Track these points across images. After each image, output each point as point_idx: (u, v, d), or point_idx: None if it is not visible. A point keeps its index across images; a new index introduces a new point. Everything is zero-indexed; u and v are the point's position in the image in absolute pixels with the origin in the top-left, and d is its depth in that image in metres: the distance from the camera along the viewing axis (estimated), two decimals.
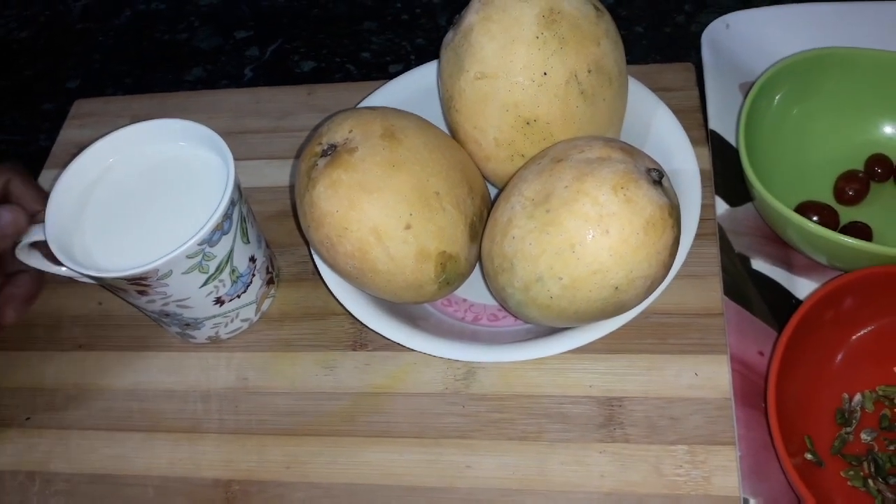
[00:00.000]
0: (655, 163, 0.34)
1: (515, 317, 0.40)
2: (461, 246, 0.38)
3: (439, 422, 0.40)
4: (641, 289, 0.33)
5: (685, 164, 0.41)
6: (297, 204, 0.37)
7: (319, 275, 0.40)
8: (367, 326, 0.38)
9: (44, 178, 0.55)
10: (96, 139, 0.42)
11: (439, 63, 0.42)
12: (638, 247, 0.31)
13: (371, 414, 0.41)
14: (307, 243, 0.44)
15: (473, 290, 0.43)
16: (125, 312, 0.47)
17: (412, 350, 0.38)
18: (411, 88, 0.48)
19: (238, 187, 0.39)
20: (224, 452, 0.41)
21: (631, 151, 0.34)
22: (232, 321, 0.43)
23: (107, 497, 0.40)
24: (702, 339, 0.40)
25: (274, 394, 0.42)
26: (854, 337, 0.39)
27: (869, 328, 0.39)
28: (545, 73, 0.38)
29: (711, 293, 0.42)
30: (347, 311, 0.39)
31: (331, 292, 0.40)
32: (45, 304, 0.48)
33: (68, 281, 0.48)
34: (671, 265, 0.34)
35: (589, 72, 0.39)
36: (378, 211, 0.34)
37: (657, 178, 0.33)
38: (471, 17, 0.39)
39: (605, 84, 0.40)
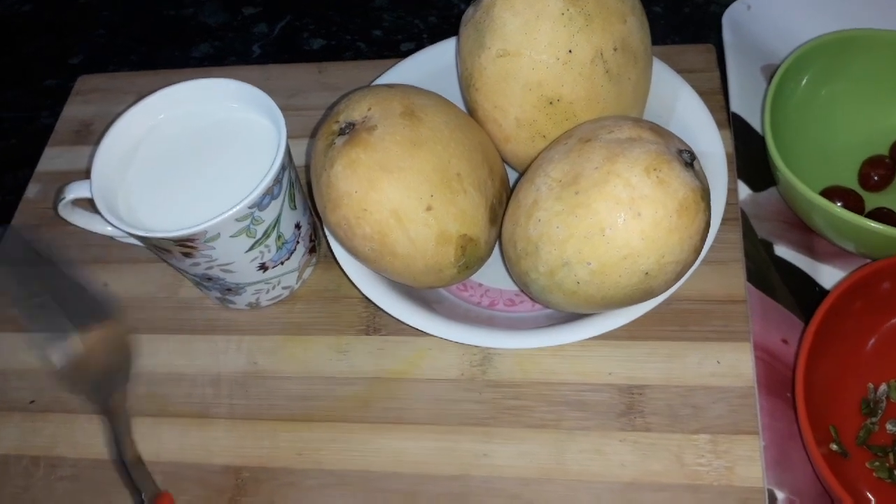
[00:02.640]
0: (686, 144, 0.33)
1: (537, 302, 0.39)
2: (482, 229, 0.36)
3: (455, 408, 0.39)
4: (672, 274, 0.32)
5: (711, 146, 0.40)
6: (314, 184, 0.36)
7: (334, 256, 0.39)
8: (383, 310, 0.37)
9: (46, 156, 0.54)
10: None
11: (458, 40, 0.41)
12: (671, 230, 0.30)
13: (385, 400, 0.40)
14: (321, 224, 0.43)
15: (489, 274, 0.42)
16: (131, 294, 0.46)
17: (426, 335, 0.37)
18: (426, 67, 0.46)
19: (288, 152, 0.38)
20: (234, 438, 0.40)
21: (661, 132, 0.33)
22: (273, 288, 0.42)
23: (113, 483, 0.39)
24: (724, 327, 0.40)
25: (285, 378, 0.41)
26: (881, 327, 0.38)
27: (892, 316, 0.38)
28: (570, 51, 0.37)
29: (734, 279, 0.41)
30: (363, 294, 0.38)
31: (346, 275, 0.38)
32: (48, 285, 0.47)
33: (73, 262, 0.48)
34: (700, 250, 0.33)
35: (615, 50, 0.37)
36: (398, 192, 0.33)
37: (689, 159, 0.32)
38: None
39: (631, 63, 0.38)
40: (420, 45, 0.57)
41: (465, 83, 0.40)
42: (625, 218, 0.30)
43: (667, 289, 0.33)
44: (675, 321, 0.40)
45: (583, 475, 0.36)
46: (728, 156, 0.45)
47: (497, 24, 0.37)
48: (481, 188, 0.36)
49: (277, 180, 0.37)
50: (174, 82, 0.56)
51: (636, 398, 0.38)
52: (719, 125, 0.46)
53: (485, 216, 0.37)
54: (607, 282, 0.32)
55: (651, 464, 0.36)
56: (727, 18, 0.51)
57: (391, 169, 0.33)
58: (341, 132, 0.35)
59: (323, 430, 0.39)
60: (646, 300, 0.34)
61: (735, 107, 0.47)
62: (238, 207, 0.35)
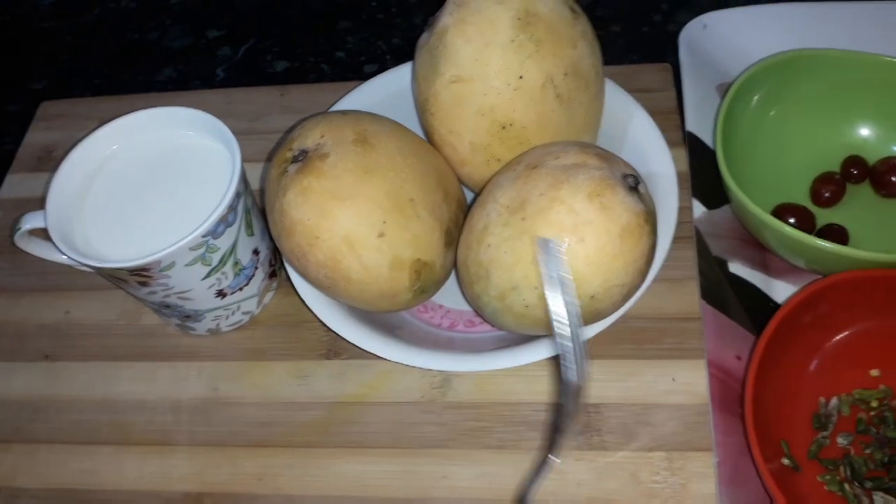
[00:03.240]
0: (632, 168, 0.34)
1: (490, 324, 0.39)
2: (437, 253, 0.37)
3: (415, 431, 0.39)
4: (618, 297, 0.32)
5: (662, 167, 0.41)
6: (268, 212, 0.36)
7: (291, 283, 0.39)
8: (340, 336, 0.38)
9: (9, 183, 0.54)
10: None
11: (414, 65, 0.41)
12: (615, 255, 0.31)
13: (345, 424, 0.40)
14: (278, 251, 0.43)
15: (450, 296, 0.42)
16: (93, 321, 0.46)
17: (386, 359, 0.38)
18: (386, 90, 0.47)
19: (244, 178, 0.38)
20: (195, 465, 0.40)
21: (607, 157, 0.34)
22: (233, 314, 0.42)
23: None
24: (679, 344, 0.40)
25: (246, 404, 0.41)
26: (831, 341, 0.39)
27: (845, 332, 0.39)
28: (521, 77, 0.37)
29: (689, 297, 0.42)
30: (320, 320, 0.38)
31: (304, 302, 0.39)
32: (9, 313, 0.47)
33: (33, 289, 0.47)
34: (648, 272, 0.33)
35: (565, 75, 0.38)
36: (350, 219, 0.34)
37: (633, 184, 0.33)
38: (445, 18, 0.39)
39: (582, 87, 0.39)
40: (383, 67, 0.57)
41: (421, 108, 0.41)
42: (569, 244, 0.31)
43: (615, 310, 0.34)
44: (631, 340, 0.40)
45: (541, 495, 0.37)
46: (682, 174, 0.46)
47: (450, 50, 0.38)
48: (435, 212, 0.37)
49: (232, 208, 0.37)
50: (137, 108, 0.57)
51: (593, 417, 0.39)
52: (675, 144, 0.47)
53: (440, 240, 0.37)
54: None
55: (607, 482, 0.37)
56: (683, 38, 0.52)
57: (343, 196, 0.34)
58: (294, 160, 0.35)
59: (283, 455, 0.39)
60: (595, 322, 0.35)
61: (690, 125, 0.48)
62: (191, 237, 0.35)
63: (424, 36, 0.40)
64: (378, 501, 0.38)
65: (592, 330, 0.36)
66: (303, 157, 0.35)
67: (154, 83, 0.61)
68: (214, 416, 0.41)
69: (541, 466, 0.33)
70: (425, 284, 0.37)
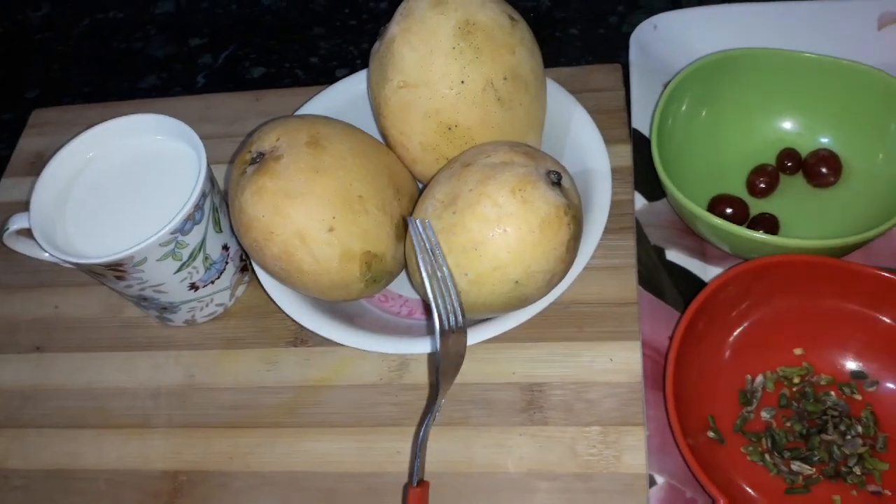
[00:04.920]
0: (558, 165, 0.37)
1: None
2: (387, 245, 0.40)
3: (373, 411, 0.43)
4: (542, 282, 0.36)
5: (599, 163, 0.44)
6: (230, 209, 0.40)
7: (255, 275, 0.43)
8: (294, 321, 0.41)
9: (2, 187, 0.57)
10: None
11: (368, 72, 0.45)
12: (535, 244, 0.34)
13: (310, 406, 0.43)
14: None
15: (409, 285, 0.45)
16: (80, 315, 0.49)
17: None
18: (347, 95, 0.50)
19: (211, 179, 0.42)
20: (172, 445, 0.43)
21: (533, 155, 0.37)
22: (207, 305, 0.45)
23: (61, 491, 0.43)
24: (617, 327, 0.43)
25: (219, 389, 0.45)
26: (756, 321, 0.41)
27: (769, 313, 0.41)
28: (462, 82, 0.40)
29: (628, 283, 0.45)
30: (282, 310, 0.41)
31: (267, 293, 0.42)
32: (2, 309, 0.50)
33: (24, 286, 0.51)
34: (570, 260, 0.36)
35: (505, 79, 0.41)
36: (301, 215, 0.37)
37: (556, 179, 0.36)
38: (393, 28, 0.42)
39: (522, 90, 0.42)
40: (354, 70, 0.60)
41: (375, 112, 0.44)
42: (494, 234, 0.34)
43: (542, 295, 0.37)
44: (573, 323, 0.44)
45: (486, 467, 0.40)
46: (626, 169, 0.49)
47: (397, 58, 0.41)
48: (386, 208, 0.40)
49: (198, 207, 0.40)
50: (122, 114, 0.60)
51: (536, 395, 0.42)
52: (621, 140, 0.50)
53: (390, 233, 0.40)
54: (483, 290, 0.35)
55: (547, 455, 0.40)
56: (634, 38, 0.55)
57: (295, 195, 0.37)
58: (252, 161, 0.38)
59: (252, 435, 0.43)
60: (525, 305, 0.38)
61: (636, 123, 0.51)
62: (160, 234, 0.39)
63: (376, 45, 0.43)
64: (337, 476, 0.41)
65: (525, 314, 0.39)
66: (259, 159, 0.38)
67: (138, 90, 0.64)
68: (190, 401, 0.44)
69: (429, 415, 0.37)
70: (376, 275, 0.40)
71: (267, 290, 0.42)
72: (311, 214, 0.37)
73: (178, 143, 0.44)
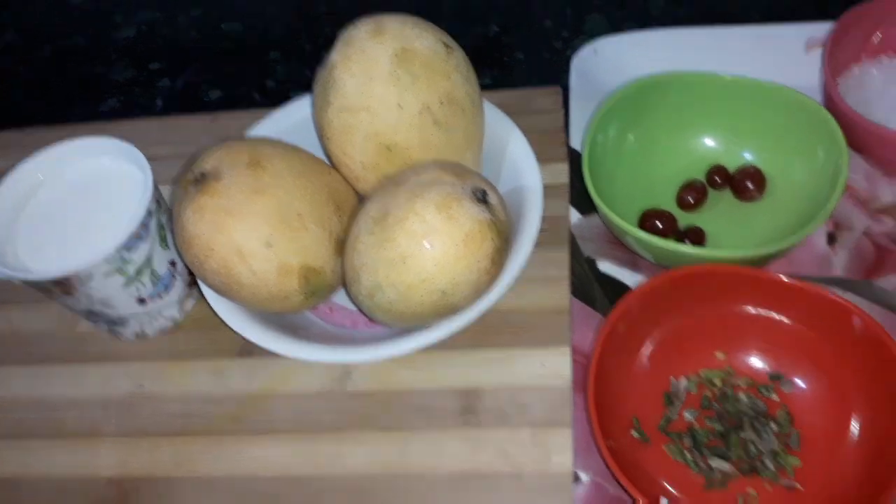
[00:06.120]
0: (486, 183, 0.39)
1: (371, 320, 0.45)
2: (326, 260, 0.42)
3: (317, 419, 0.44)
4: (468, 292, 0.38)
5: (531, 181, 0.46)
6: (174, 226, 0.41)
7: (199, 289, 0.44)
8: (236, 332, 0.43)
9: None
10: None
11: (313, 96, 0.47)
12: (458, 258, 0.36)
13: (255, 414, 0.45)
14: None
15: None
16: (34, 330, 0.50)
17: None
18: (298, 116, 0.52)
19: (157, 198, 0.44)
20: (119, 454, 0.44)
21: (461, 174, 0.39)
22: (156, 319, 0.47)
23: (10, 501, 0.44)
24: (550, 335, 0.45)
25: (167, 400, 0.46)
26: (679, 327, 0.44)
27: (692, 319, 0.44)
28: (400, 106, 0.43)
29: (561, 293, 0.47)
30: (225, 322, 0.43)
31: (210, 306, 0.44)
32: None
33: None
34: (496, 271, 0.39)
35: (441, 103, 0.43)
36: (240, 233, 0.39)
37: (481, 196, 0.38)
38: (334, 55, 0.44)
39: (458, 113, 0.45)
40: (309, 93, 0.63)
41: (319, 133, 0.46)
42: (420, 248, 0.36)
43: (469, 303, 0.39)
44: (509, 331, 0.46)
45: (422, 469, 0.42)
46: (564, 186, 0.51)
47: (338, 84, 0.43)
48: (325, 224, 0.42)
49: (143, 225, 0.42)
50: (81, 136, 0.62)
51: (472, 401, 0.44)
52: (560, 159, 0.53)
53: (329, 248, 0.42)
54: (412, 301, 0.37)
55: (480, 456, 0.42)
56: (575, 63, 0.57)
57: (234, 213, 0.39)
58: (195, 181, 0.40)
59: (198, 443, 0.44)
60: (454, 313, 0.40)
61: (574, 143, 0.53)
62: (105, 251, 0.40)
63: (320, 71, 0.46)
64: (279, 480, 0.42)
65: (456, 324, 0.41)
66: (202, 179, 0.40)
67: (99, 113, 0.66)
68: (139, 411, 0.46)
69: None
70: (315, 288, 0.42)
71: (210, 303, 0.44)
72: (249, 231, 0.39)
73: (126, 165, 0.46)
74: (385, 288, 0.37)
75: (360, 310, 0.42)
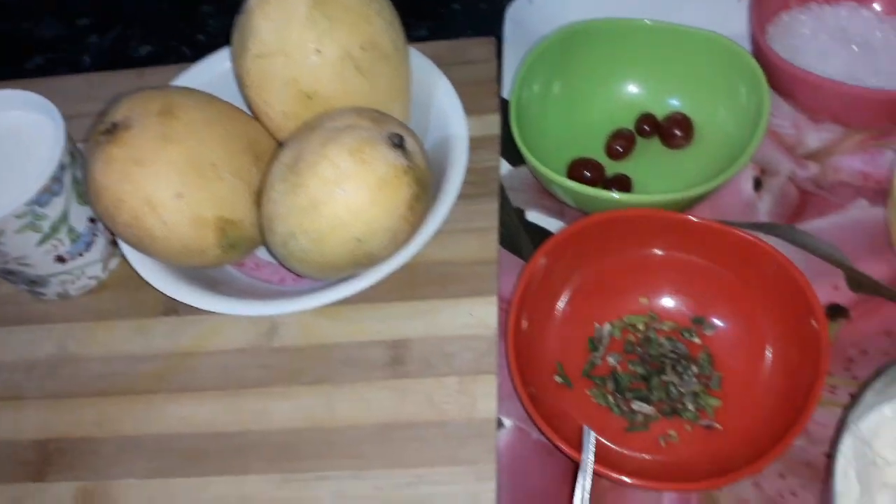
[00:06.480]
0: (404, 129, 0.39)
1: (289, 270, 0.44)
2: (244, 212, 0.41)
3: (242, 375, 0.44)
4: (386, 240, 0.37)
5: (458, 129, 0.46)
6: (87, 179, 0.40)
7: (116, 244, 0.43)
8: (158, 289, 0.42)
9: None
10: None
11: (231, 44, 0.45)
12: (373, 203, 0.36)
13: (180, 372, 0.44)
14: None
15: None
16: None
17: (218, 313, 0.42)
18: (221, 67, 0.51)
19: (71, 152, 0.42)
20: (43, 416, 0.44)
21: (379, 120, 0.38)
22: (79, 278, 0.46)
23: None
24: (479, 285, 0.45)
25: (91, 360, 0.45)
26: (602, 272, 0.44)
27: (615, 264, 0.44)
28: (318, 51, 0.42)
29: (490, 244, 0.47)
30: (140, 276, 0.42)
31: (129, 263, 0.43)
32: None
33: None
34: (415, 219, 0.38)
35: (363, 49, 0.42)
36: (149, 183, 0.38)
37: (398, 142, 0.37)
38: (251, 0, 0.43)
39: (381, 60, 0.44)
40: None
41: (239, 83, 0.45)
42: (332, 194, 0.35)
43: (389, 252, 0.39)
44: (437, 282, 0.45)
45: (347, 421, 0.42)
46: (495, 137, 0.51)
47: (255, 29, 0.42)
48: (242, 175, 0.41)
49: (56, 179, 0.41)
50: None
51: (399, 351, 0.44)
52: (492, 110, 0.52)
53: (247, 200, 0.41)
54: (326, 249, 0.37)
55: (406, 406, 0.42)
56: (510, 13, 0.57)
57: (143, 163, 0.38)
58: (105, 132, 0.39)
59: (123, 402, 0.44)
60: (373, 263, 0.39)
61: (506, 93, 0.53)
62: (14, 206, 0.39)
63: (237, 17, 0.44)
64: (204, 437, 0.42)
65: (379, 273, 0.40)
66: (112, 130, 0.39)
67: (25, 71, 0.64)
68: (62, 372, 0.45)
69: None
70: (234, 241, 0.41)
71: (128, 258, 0.43)
72: (158, 181, 0.38)
73: (40, 117, 0.44)
74: (298, 236, 0.37)
75: (278, 261, 0.41)
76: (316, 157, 0.36)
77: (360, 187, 0.35)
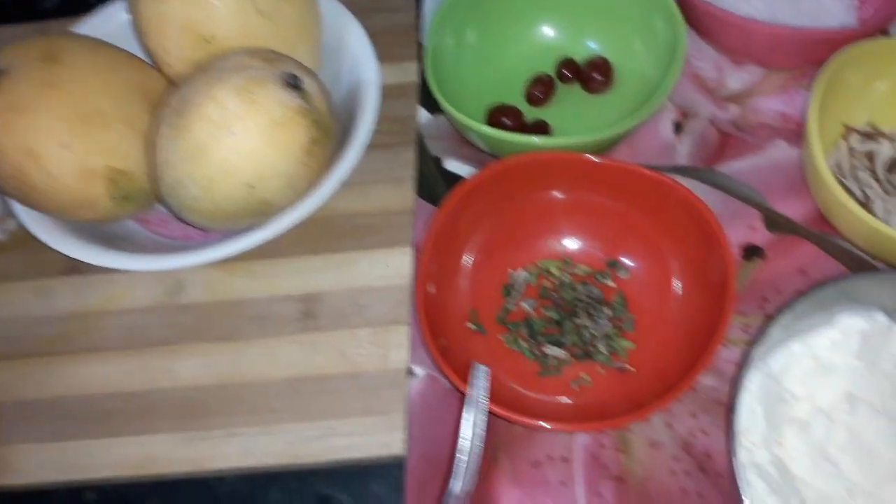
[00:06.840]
0: (303, 70, 0.37)
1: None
2: (137, 162, 0.39)
3: (148, 333, 0.42)
4: (282, 186, 0.36)
5: (368, 75, 0.44)
6: None
7: (5, 200, 0.41)
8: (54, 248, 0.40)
9: None
10: None
11: None
12: (264, 146, 0.34)
13: (83, 333, 0.43)
14: None
15: None
16: None
17: (124, 271, 0.40)
18: (120, 18, 0.48)
19: None
20: None
21: (273, 59, 0.36)
22: None
23: None
24: (394, 235, 0.44)
25: None
26: (515, 217, 0.43)
27: (528, 208, 0.43)
28: None
29: (407, 193, 0.45)
30: (31, 232, 0.40)
31: (19, 219, 0.41)
32: None
33: None
34: (315, 164, 0.37)
35: None
36: (30, 132, 0.36)
37: (293, 82, 0.36)
38: None
39: (286, 2, 0.42)
40: None
41: (136, 30, 0.43)
42: (220, 137, 0.34)
43: (289, 201, 0.37)
44: (352, 234, 0.44)
45: (255, 377, 0.40)
46: (413, 85, 0.50)
47: None
48: (135, 123, 0.39)
49: None
50: None
51: (312, 305, 0.42)
52: (410, 58, 0.51)
53: (141, 150, 0.39)
54: (218, 196, 0.35)
55: (317, 359, 0.41)
56: None
57: (22, 111, 0.36)
58: None
59: (22, 366, 0.42)
60: (271, 212, 0.38)
61: (426, 41, 0.51)
62: None
63: None
64: (109, 397, 0.41)
65: (283, 223, 0.39)
66: None
67: None
68: None
69: None
70: (127, 192, 0.39)
71: (19, 215, 0.41)
72: (40, 130, 0.36)
73: None
74: (186, 183, 0.35)
75: (173, 213, 0.39)
76: (202, 97, 0.34)
77: (249, 129, 0.34)
